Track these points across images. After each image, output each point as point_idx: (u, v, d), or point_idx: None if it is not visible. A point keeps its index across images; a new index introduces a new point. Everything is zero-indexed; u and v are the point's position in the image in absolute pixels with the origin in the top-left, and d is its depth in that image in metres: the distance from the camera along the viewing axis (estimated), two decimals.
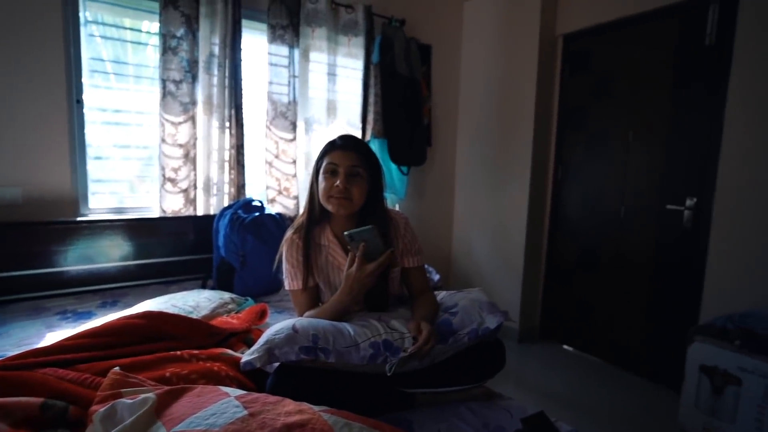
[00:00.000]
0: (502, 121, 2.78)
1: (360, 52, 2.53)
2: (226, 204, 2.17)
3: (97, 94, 1.96)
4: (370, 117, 2.57)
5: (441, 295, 1.38)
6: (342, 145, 1.24)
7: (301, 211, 2.36)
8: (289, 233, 1.30)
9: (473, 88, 2.97)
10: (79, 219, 1.89)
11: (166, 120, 1.99)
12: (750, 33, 1.83)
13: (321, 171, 1.24)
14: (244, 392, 0.87)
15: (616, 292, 2.42)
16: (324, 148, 1.28)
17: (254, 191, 2.40)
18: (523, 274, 2.70)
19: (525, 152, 2.64)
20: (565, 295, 2.69)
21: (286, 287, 1.31)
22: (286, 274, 1.29)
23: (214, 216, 2.06)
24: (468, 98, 3.02)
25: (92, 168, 1.98)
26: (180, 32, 1.98)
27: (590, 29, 2.45)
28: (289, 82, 2.30)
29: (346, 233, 1.18)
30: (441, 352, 1.14)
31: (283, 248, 1.30)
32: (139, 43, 2.05)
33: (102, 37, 1.96)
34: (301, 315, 1.28)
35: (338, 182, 1.20)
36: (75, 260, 1.85)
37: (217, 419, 0.78)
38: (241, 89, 2.14)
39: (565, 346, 2.69)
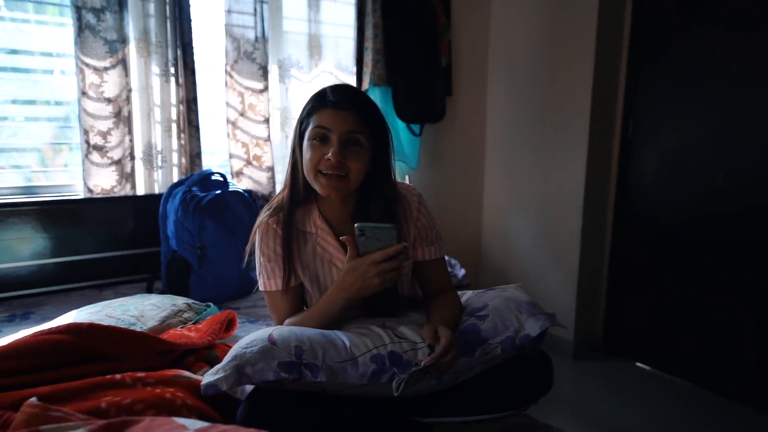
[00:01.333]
0: (550, 57, 2.76)
1: None
2: (175, 179, 2.18)
3: None
4: (368, 57, 2.57)
5: (466, 295, 1.40)
6: (335, 101, 1.22)
7: (279, 187, 2.39)
8: (263, 216, 1.31)
9: (509, 12, 2.94)
10: None
11: (86, 65, 1.98)
12: None
13: (306, 136, 1.23)
14: (207, 424, 0.87)
15: (712, 295, 2.41)
16: (310, 103, 1.26)
17: (214, 162, 2.41)
18: (580, 270, 2.72)
19: (582, 100, 2.62)
20: (637, 297, 2.70)
21: (261, 287, 1.32)
22: (260, 270, 1.31)
23: (160, 196, 2.07)
24: (502, 27, 2.99)
25: None
26: None
27: None
28: (255, 10, 2.29)
29: (357, 225, 1.16)
30: (466, 368, 1.16)
31: (257, 236, 1.31)
32: None
33: None
34: (281, 323, 1.30)
35: (329, 154, 1.18)
36: None
37: None
38: (189, 20, 2.13)
39: (639, 364, 2.72)
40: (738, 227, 2.31)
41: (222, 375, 1.03)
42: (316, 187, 1.23)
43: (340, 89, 1.26)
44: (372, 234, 1.15)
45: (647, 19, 2.56)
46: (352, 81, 2.59)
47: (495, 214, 3.15)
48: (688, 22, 2.42)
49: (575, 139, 2.67)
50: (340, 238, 1.21)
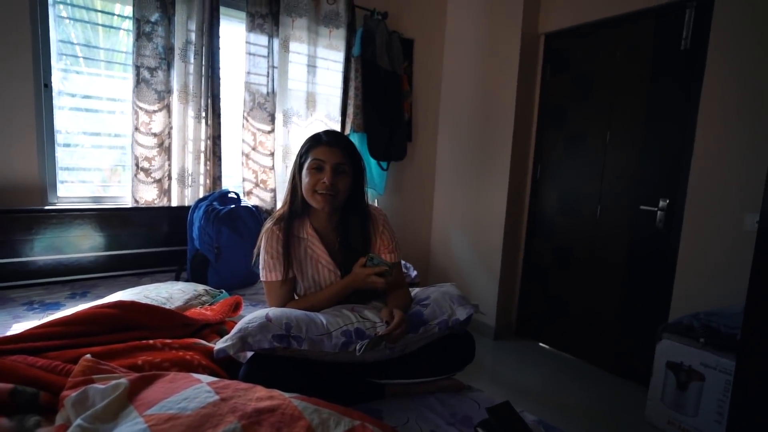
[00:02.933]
0: (483, 118, 2.84)
1: (341, 44, 2.56)
2: (201, 195, 2.17)
3: (66, 79, 1.95)
4: (350, 110, 2.60)
5: (415, 291, 1.43)
6: (328, 141, 1.27)
7: (279, 204, 2.42)
8: (268, 224, 1.32)
9: (455, 85, 3.01)
10: (47, 208, 1.88)
11: (140, 108, 1.99)
12: (723, 39, 1.94)
13: (306, 166, 1.27)
14: (217, 379, 0.91)
15: (590, 291, 2.52)
16: (308, 142, 1.30)
17: (231, 183, 2.40)
18: (501, 272, 2.77)
19: (505, 150, 2.71)
20: (541, 293, 2.78)
21: (262, 278, 1.32)
22: (263, 264, 1.31)
23: (188, 207, 2.06)
24: (449, 94, 3.06)
25: (61, 155, 1.97)
26: (155, 17, 1.98)
27: (571, 29, 2.54)
28: (267, 72, 2.31)
29: (370, 254, 1.24)
30: (412, 342, 1.19)
31: (263, 240, 1.31)
32: (111, 27, 2.05)
33: (71, 18, 1.95)
34: (275, 306, 1.30)
35: (325, 179, 1.23)
36: (42, 250, 1.84)
37: (189, 403, 0.82)
38: (218, 78, 2.15)
39: (541, 344, 2.77)
40: (607, 244, 2.42)
41: (230, 343, 1.05)
42: (313, 203, 1.27)
43: (331, 133, 1.32)
44: (379, 261, 1.24)
45: (550, 99, 2.68)
46: (338, 127, 2.61)
47: (440, 230, 3.19)
48: (576, 103, 2.55)
49: (499, 177, 2.74)
50: (363, 261, 1.24)
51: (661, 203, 2.19)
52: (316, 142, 1.28)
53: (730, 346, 1.73)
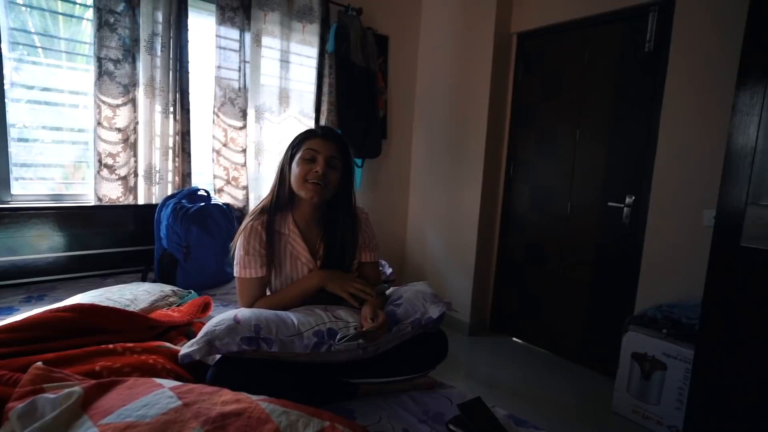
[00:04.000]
0: (457, 116, 2.85)
1: (315, 40, 2.51)
2: (169, 193, 2.11)
3: (20, 70, 1.84)
4: (324, 107, 2.57)
5: (390, 290, 1.41)
6: (323, 134, 1.30)
7: (251, 203, 2.36)
8: (248, 221, 1.29)
9: (430, 82, 3.02)
10: None
11: (103, 102, 1.90)
12: (684, 41, 1.99)
13: (298, 157, 1.27)
14: (180, 383, 0.86)
15: (560, 286, 2.56)
16: (303, 135, 1.31)
17: (201, 181, 2.34)
18: (475, 268, 2.79)
19: (479, 148, 2.72)
20: (514, 289, 2.81)
21: (236, 274, 1.28)
22: (239, 260, 1.28)
23: (156, 205, 1.99)
24: (424, 92, 3.06)
25: (16, 151, 1.85)
26: (119, 7, 1.89)
27: (543, 29, 2.56)
28: (239, 67, 2.25)
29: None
30: (385, 342, 1.18)
31: (242, 236, 1.28)
32: (73, 16, 1.94)
33: (27, 6, 1.83)
34: (247, 304, 1.27)
35: (318, 168, 1.25)
36: None
37: (149, 410, 0.77)
38: (187, 72, 2.08)
39: (515, 339, 2.81)
40: (577, 241, 2.47)
41: (195, 347, 1.01)
42: (302, 192, 1.27)
43: (326, 128, 1.33)
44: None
45: (522, 98, 2.71)
46: (311, 124, 2.58)
47: (416, 227, 3.19)
48: (547, 102, 2.58)
49: (474, 174, 2.76)
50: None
51: (628, 200, 2.23)
52: (311, 134, 1.30)
53: (690, 336, 1.78)
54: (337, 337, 1.05)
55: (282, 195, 1.31)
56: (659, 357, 1.84)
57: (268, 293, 1.34)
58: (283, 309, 1.20)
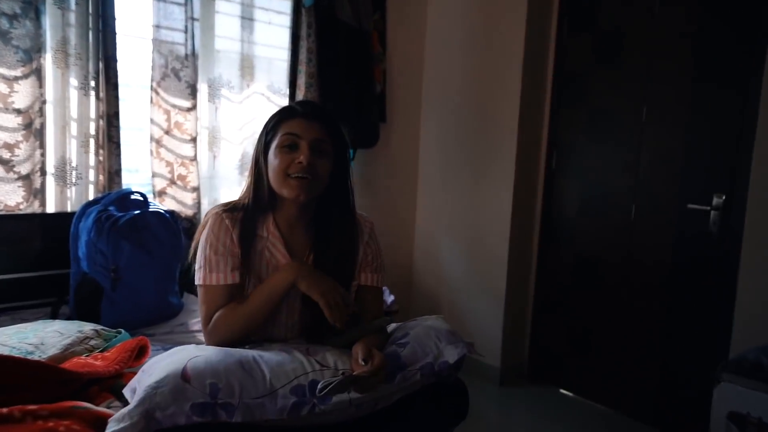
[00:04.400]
0: (480, 90, 2.84)
1: None
2: (91, 197, 2.09)
3: None
4: (301, 81, 2.56)
5: (391, 327, 1.43)
6: (304, 112, 1.31)
7: (204, 208, 2.33)
8: (217, 209, 1.33)
9: (443, 46, 3.00)
10: None
11: None
12: None
13: (274, 145, 1.30)
14: None
15: (624, 318, 2.53)
16: (277, 115, 1.34)
17: (135, 180, 2.33)
18: (506, 295, 2.77)
19: (509, 133, 2.71)
20: (560, 323, 2.78)
21: (199, 280, 1.30)
22: (203, 262, 1.29)
23: (72, 214, 1.97)
24: (436, 59, 3.05)
25: None
26: None
27: None
28: (185, 27, 2.25)
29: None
30: (386, 395, 1.16)
31: (206, 228, 1.31)
32: None
33: None
34: (208, 318, 1.28)
35: (301, 158, 1.25)
36: None
37: None
38: (114, 33, 2.07)
39: (562, 390, 2.78)
40: (645, 255, 2.44)
41: (128, 423, 0.97)
42: (285, 191, 1.28)
43: (308, 103, 1.37)
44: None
45: (567, 64, 2.71)
46: (285, 103, 2.57)
47: (426, 240, 3.17)
48: (602, 70, 2.57)
49: (503, 168, 2.74)
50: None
51: (716, 200, 2.21)
52: (288, 113, 1.32)
53: None
54: (319, 386, 1.05)
55: (260, 196, 1.33)
56: None
57: None
58: (249, 323, 1.25)
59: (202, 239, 1.31)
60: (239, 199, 1.37)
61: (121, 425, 0.97)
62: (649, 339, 2.45)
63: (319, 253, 1.35)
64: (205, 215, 1.35)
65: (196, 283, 1.31)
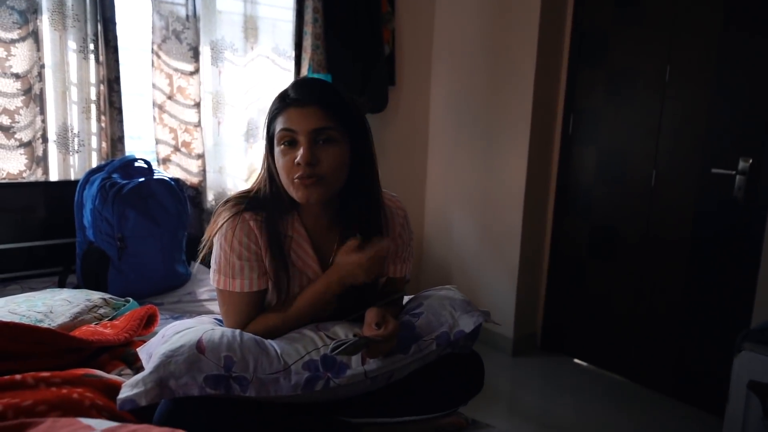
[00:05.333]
0: (494, 50, 2.81)
1: None
2: (94, 165, 2.11)
3: None
4: (307, 42, 2.55)
5: (404, 299, 1.41)
6: (297, 98, 1.16)
7: (209, 176, 2.33)
8: (233, 207, 1.23)
9: (455, 5, 2.97)
10: None
11: None
12: None
13: (275, 141, 1.19)
14: (116, 424, 0.84)
15: (643, 288, 2.54)
16: (273, 105, 1.21)
17: (139, 147, 2.35)
18: (520, 265, 2.78)
19: (524, 96, 2.68)
20: (575, 293, 2.80)
21: (218, 284, 1.23)
22: (222, 265, 1.22)
23: (76, 182, 1.99)
24: (447, 17, 3.02)
25: None
26: None
27: None
28: None
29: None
30: (400, 366, 1.16)
31: (225, 230, 1.22)
32: None
33: None
34: (236, 325, 1.22)
35: (298, 158, 1.14)
36: None
37: None
38: None
39: (576, 360, 2.81)
40: (666, 223, 2.44)
41: (142, 389, 0.98)
42: (294, 195, 1.19)
43: (302, 84, 1.21)
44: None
45: (586, 22, 2.66)
46: (290, 66, 2.57)
47: (437, 209, 3.19)
48: (622, 26, 2.52)
49: (517, 133, 2.73)
50: (353, 244, 1.20)
51: (742, 164, 2.19)
52: (282, 103, 1.18)
53: None
54: (331, 345, 1.05)
55: (278, 195, 1.23)
56: None
57: None
58: (291, 329, 1.21)
59: (220, 240, 1.22)
60: (253, 190, 1.27)
61: (135, 390, 0.99)
62: (668, 308, 2.46)
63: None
64: (218, 209, 1.25)
65: (213, 285, 1.24)
